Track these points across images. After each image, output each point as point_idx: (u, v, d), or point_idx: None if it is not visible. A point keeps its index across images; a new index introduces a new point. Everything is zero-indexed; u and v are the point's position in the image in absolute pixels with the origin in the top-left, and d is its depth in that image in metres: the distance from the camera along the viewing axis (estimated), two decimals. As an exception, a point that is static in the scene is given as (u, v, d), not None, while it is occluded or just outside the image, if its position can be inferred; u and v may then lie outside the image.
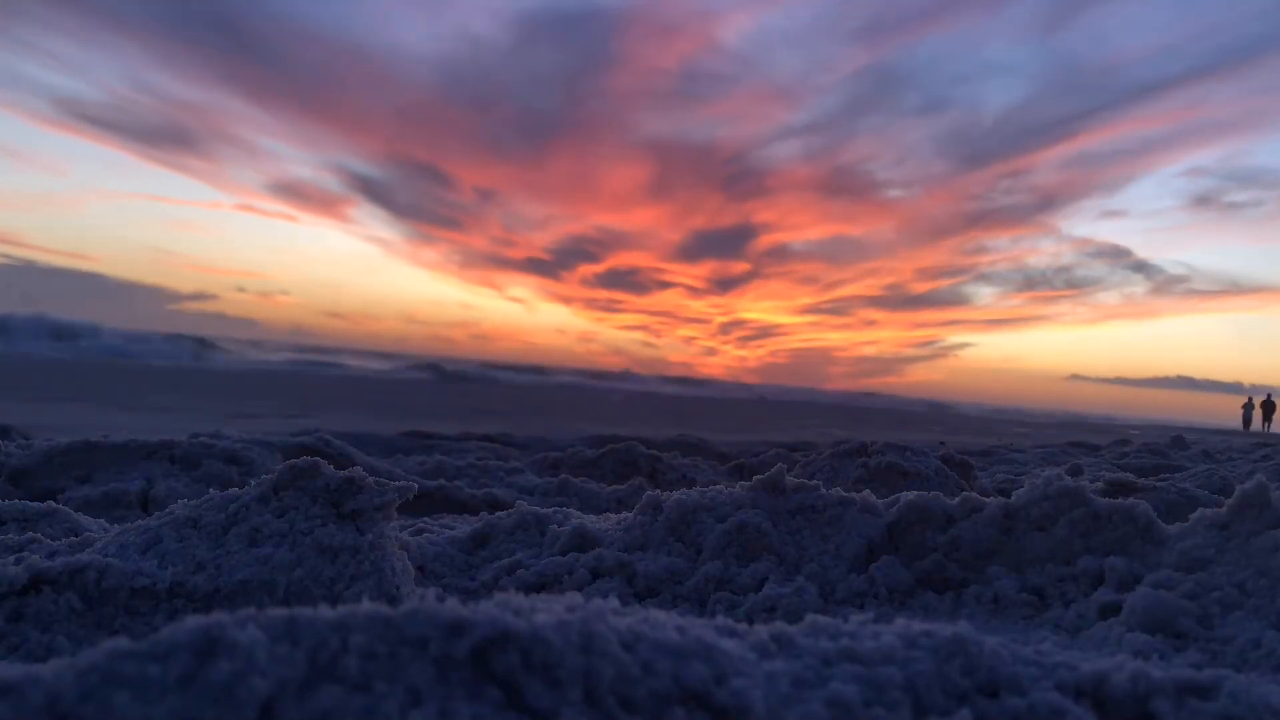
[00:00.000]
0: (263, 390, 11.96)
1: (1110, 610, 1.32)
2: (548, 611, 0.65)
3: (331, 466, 1.37)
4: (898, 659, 0.72)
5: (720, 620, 0.79)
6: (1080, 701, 0.74)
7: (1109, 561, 1.40)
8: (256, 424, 6.30)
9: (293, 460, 1.36)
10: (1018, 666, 0.77)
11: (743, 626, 0.77)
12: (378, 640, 0.58)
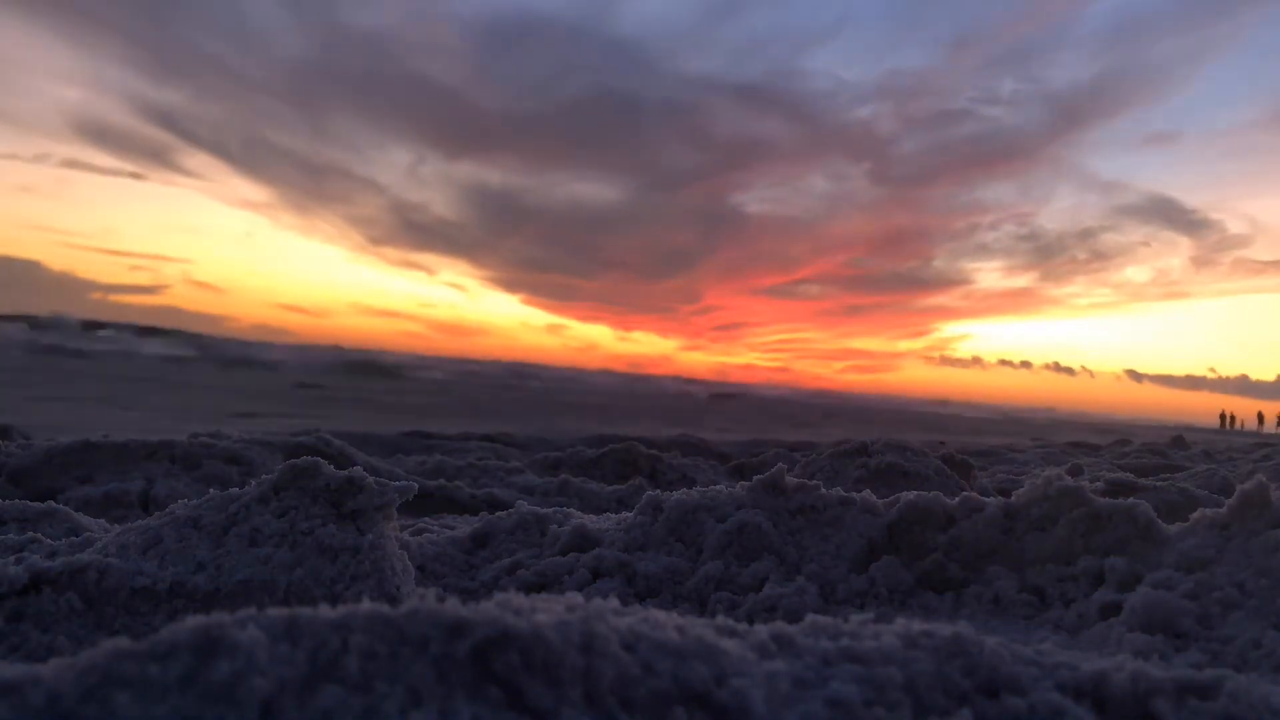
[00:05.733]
0: (262, 389, 11.96)
1: (1110, 610, 1.32)
2: (548, 611, 0.65)
3: (332, 466, 1.37)
4: (898, 659, 0.72)
5: (720, 620, 0.79)
6: (1080, 701, 0.74)
7: (1109, 561, 1.40)
8: (256, 424, 6.30)
9: (293, 460, 1.36)
10: (1018, 666, 0.77)
11: (743, 626, 0.77)
12: (378, 640, 0.58)
